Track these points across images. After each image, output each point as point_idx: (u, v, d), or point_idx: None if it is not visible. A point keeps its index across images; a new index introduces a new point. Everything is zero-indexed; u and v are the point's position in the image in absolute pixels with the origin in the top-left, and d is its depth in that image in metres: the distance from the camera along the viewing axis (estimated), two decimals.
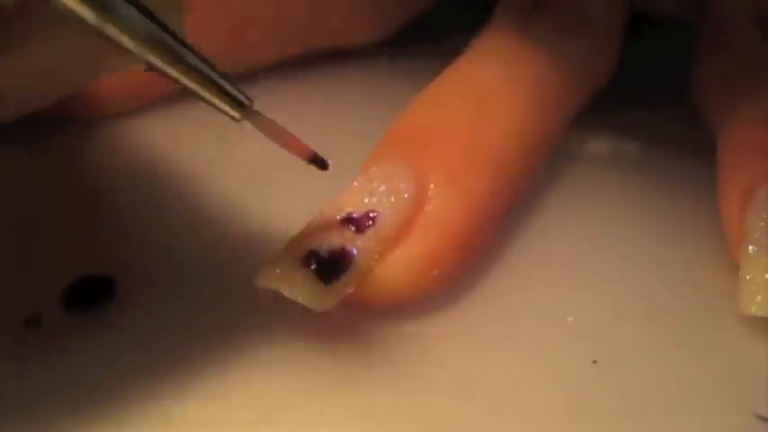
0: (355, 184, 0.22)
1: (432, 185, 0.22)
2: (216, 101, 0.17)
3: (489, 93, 0.24)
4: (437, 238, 0.21)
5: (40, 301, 0.21)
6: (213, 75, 0.17)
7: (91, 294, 0.22)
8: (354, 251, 0.20)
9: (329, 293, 0.20)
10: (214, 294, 0.22)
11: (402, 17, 0.32)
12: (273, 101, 0.29)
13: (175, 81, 0.17)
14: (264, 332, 0.21)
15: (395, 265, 0.21)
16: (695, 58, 0.27)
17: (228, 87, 0.17)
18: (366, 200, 0.21)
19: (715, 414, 0.20)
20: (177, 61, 0.17)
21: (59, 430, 0.19)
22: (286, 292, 0.20)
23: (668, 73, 0.28)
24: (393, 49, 0.32)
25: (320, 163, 0.20)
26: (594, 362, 0.21)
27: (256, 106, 0.18)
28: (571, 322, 0.22)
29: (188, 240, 0.24)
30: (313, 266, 0.20)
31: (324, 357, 0.21)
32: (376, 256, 0.21)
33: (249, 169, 0.26)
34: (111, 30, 0.16)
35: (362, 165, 0.23)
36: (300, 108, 0.29)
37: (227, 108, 0.18)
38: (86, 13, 0.15)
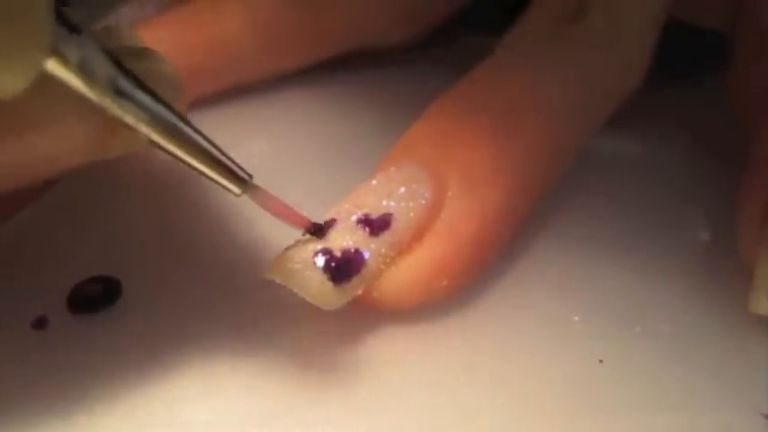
0: (374, 182, 0.21)
1: (449, 193, 0.21)
2: (218, 177, 0.18)
3: (516, 101, 0.23)
4: (449, 248, 0.21)
5: (47, 302, 0.21)
6: (216, 153, 0.18)
7: (97, 296, 0.22)
8: (367, 254, 0.20)
9: (338, 294, 0.20)
10: (220, 295, 0.22)
11: (431, 19, 0.31)
12: (295, 102, 0.30)
13: (179, 159, 0.18)
14: (270, 332, 0.21)
15: (405, 271, 0.21)
16: (734, 65, 0.27)
17: (230, 164, 0.18)
18: (384, 202, 0.21)
19: (721, 413, 0.20)
20: (182, 141, 0.17)
21: (65, 430, 0.19)
22: (295, 288, 0.20)
23: (668, 76, 0.28)
24: (417, 51, 0.32)
25: (319, 232, 0.20)
26: (601, 361, 0.21)
27: (256, 179, 0.19)
28: (577, 322, 0.22)
29: (194, 242, 0.24)
30: (325, 265, 0.20)
31: (330, 357, 0.21)
32: (388, 260, 0.21)
33: (256, 169, 0.26)
34: (118, 111, 0.16)
35: (380, 163, 0.22)
36: (320, 109, 0.29)
37: (227, 183, 0.18)
38: (96, 96, 0.16)
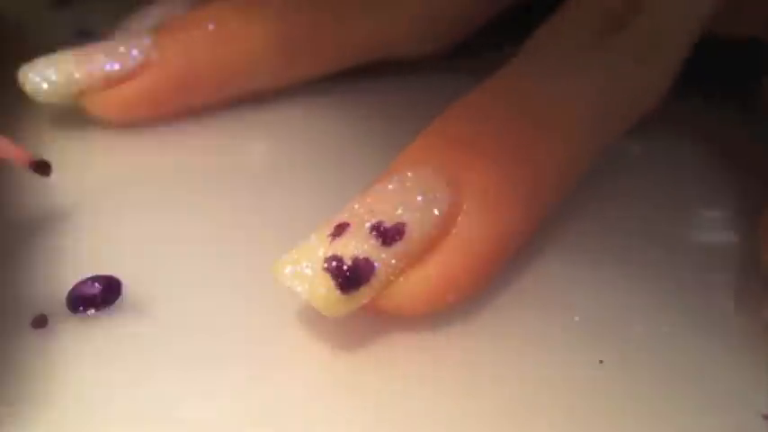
0: (390, 187, 0.21)
1: (465, 206, 0.21)
2: None
3: (541, 109, 0.23)
4: (460, 264, 0.21)
5: (47, 301, 0.21)
6: None
7: (97, 295, 0.21)
8: (377, 264, 0.20)
9: (343, 302, 0.19)
10: (221, 296, 0.22)
11: (459, 35, 0.31)
12: (310, 110, 0.29)
13: None
14: (271, 331, 0.21)
15: (412, 283, 0.20)
16: None
17: None
18: (399, 210, 0.20)
19: (721, 414, 0.20)
20: None
21: (65, 429, 0.19)
22: (302, 294, 0.19)
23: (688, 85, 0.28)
24: (437, 62, 0.31)
25: (43, 168, 0.19)
26: (601, 362, 0.21)
27: None
28: (577, 322, 0.22)
29: (195, 241, 0.24)
30: (334, 272, 0.19)
31: (331, 357, 0.21)
32: (397, 270, 0.20)
33: (258, 170, 0.27)
34: None
35: (397, 162, 0.22)
36: (335, 116, 0.29)
37: None
38: None
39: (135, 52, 0.27)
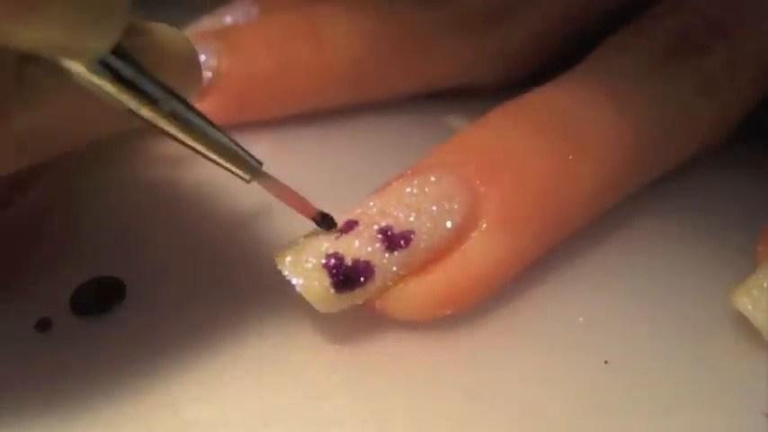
0: (408, 190, 0.21)
1: (483, 223, 0.20)
2: (228, 164, 0.18)
3: (579, 131, 0.22)
4: (464, 282, 0.20)
5: (51, 304, 0.21)
6: (226, 141, 0.18)
7: (100, 297, 0.22)
8: (377, 269, 0.20)
9: (337, 301, 0.20)
10: (223, 296, 0.22)
11: (535, 64, 0.29)
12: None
13: (191, 148, 0.18)
14: (274, 333, 0.21)
15: (411, 291, 0.20)
16: None
17: (241, 152, 0.18)
18: (411, 217, 0.20)
19: (725, 414, 0.20)
20: (195, 133, 0.17)
21: (68, 430, 0.19)
22: (297, 287, 0.19)
23: None
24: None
25: (328, 222, 0.20)
26: (606, 362, 0.21)
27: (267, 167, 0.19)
28: (582, 323, 0.22)
29: (198, 243, 0.24)
30: (332, 271, 0.19)
31: (335, 357, 0.21)
32: (396, 278, 0.20)
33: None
34: (133, 105, 0.16)
35: (420, 164, 0.21)
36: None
37: (238, 170, 0.19)
38: (109, 88, 0.16)
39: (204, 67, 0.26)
